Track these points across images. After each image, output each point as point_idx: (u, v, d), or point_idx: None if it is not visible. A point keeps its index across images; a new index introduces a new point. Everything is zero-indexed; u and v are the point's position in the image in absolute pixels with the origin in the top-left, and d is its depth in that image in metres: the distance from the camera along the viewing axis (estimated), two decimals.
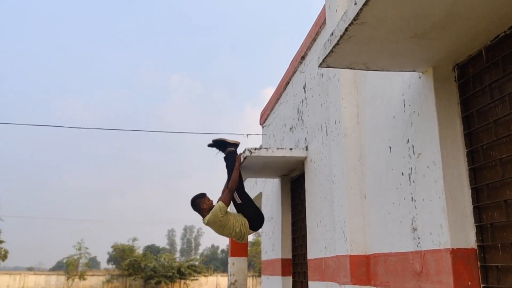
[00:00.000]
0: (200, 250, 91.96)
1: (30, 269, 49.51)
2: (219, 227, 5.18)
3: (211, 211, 5.23)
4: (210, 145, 5.73)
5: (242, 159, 5.78)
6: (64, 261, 40.46)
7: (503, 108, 2.59)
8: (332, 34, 2.73)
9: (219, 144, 5.66)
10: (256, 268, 42.25)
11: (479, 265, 2.65)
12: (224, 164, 5.62)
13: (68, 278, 37.20)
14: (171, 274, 37.11)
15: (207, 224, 5.32)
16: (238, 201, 5.39)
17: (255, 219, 5.28)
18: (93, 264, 54.37)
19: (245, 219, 5.21)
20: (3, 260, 41.35)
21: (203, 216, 5.26)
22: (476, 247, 2.68)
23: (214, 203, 5.26)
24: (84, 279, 37.44)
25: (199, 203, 5.25)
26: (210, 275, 41.03)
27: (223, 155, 5.65)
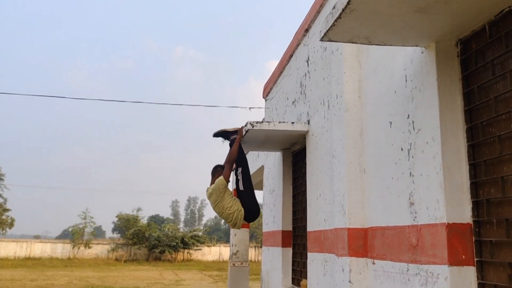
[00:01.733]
0: (204, 221, 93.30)
1: (36, 237, 50.50)
2: (214, 202, 5.30)
3: (214, 184, 5.33)
4: (214, 135, 5.84)
5: (244, 132, 5.81)
6: (70, 229, 41.23)
7: (504, 85, 2.57)
8: (334, 7, 2.69)
9: (222, 134, 5.79)
10: (258, 239, 42.91)
11: (473, 240, 2.70)
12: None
13: (73, 246, 37.99)
14: (174, 244, 37.81)
15: (209, 197, 5.43)
16: (241, 187, 5.47)
17: (251, 211, 5.39)
18: (98, 233, 55.36)
19: (242, 208, 5.29)
20: (10, 228, 42.14)
21: (210, 184, 5.43)
22: (471, 222, 2.72)
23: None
24: (89, 247, 38.24)
25: (216, 172, 5.48)
26: (213, 245, 41.75)
27: (228, 142, 5.77)
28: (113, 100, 30.43)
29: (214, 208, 5.44)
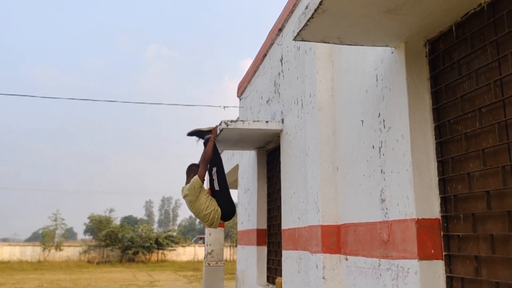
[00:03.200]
0: (178, 221, 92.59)
1: (4, 240, 49.01)
2: (189, 202, 5.29)
3: (189, 183, 5.31)
4: (189, 135, 5.81)
5: (218, 131, 5.81)
6: (40, 232, 40.20)
7: (469, 84, 2.66)
8: (306, 7, 2.73)
9: (196, 133, 5.77)
10: (233, 238, 42.85)
11: (442, 234, 2.78)
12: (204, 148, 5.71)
13: (44, 249, 37.05)
14: (148, 244, 37.38)
15: (184, 197, 5.40)
16: (216, 187, 5.47)
17: (228, 210, 5.40)
18: (69, 235, 54.20)
19: (218, 207, 5.30)
20: None
21: (186, 184, 5.40)
22: (440, 217, 2.81)
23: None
24: (60, 250, 37.37)
25: (191, 171, 5.47)
26: (188, 245, 41.50)
27: (203, 141, 5.76)
28: (86, 99, 29.76)
29: (190, 208, 5.42)
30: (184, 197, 5.39)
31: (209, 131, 5.74)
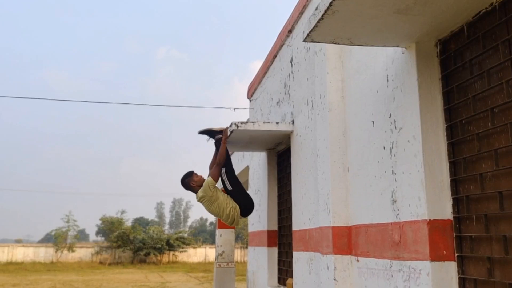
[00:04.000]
0: (189, 223, 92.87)
1: (18, 241, 49.62)
2: (209, 203, 5.23)
3: (202, 187, 5.27)
4: (200, 133, 5.81)
5: (228, 132, 5.82)
6: (53, 233, 40.61)
7: (481, 84, 2.64)
8: (316, 8, 2.73)
9: (207, 132, 5.77)
10: (244, 240, 42.87)
11: (454, 235, 2.76)
12: (215, 148, 5.70)
13: (57, 250, 37.42)
14: (160, 246, 37.55)
15: (199, 200, 5.35)
16: (229, 187, 5.43)
17: (246, 206, 5.37)
18: (82, 236, 54.69)
19: (236, 204, 5.27)
20: None
21: (196, 193, 5.33)
22: (452, 218, 2.79)
23: (205, 177, 5.33)
24: (73, 251, 37.71)
25: (188, 182, 5.36)
26: (199, 247, 41.60)
27: (213, 140, 5.76)
28: (97, 102, 30.03)
29: (210, 209, 5.31)
30: (201, 200, 5.28)
31: (220, 132, 5.73)
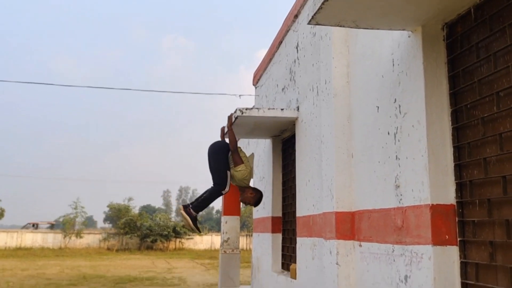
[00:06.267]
0: None
1: (27, 227, 50.20)
2: (247, 174, 5.56)
3: (238, 175, 5.56)
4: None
5: (233, 118, 5.83)
6: (61, 220, 41.08)
7: (487, 68, 2.61)
8: None
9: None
10: (249, 228, 43.08)
11: (456, 220, 2.75)
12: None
13: (65, 236, 37.88)
14: (166, 233, 37.86)
15: (247, 173, 5.62)
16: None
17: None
18: (89, 223, 55.27)
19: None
20: (0, 218, 41.92)
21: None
22: (455, 203, 2.77)
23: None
24: (81, 237, 38.15)
25: (247, 193, 5.69)
26: (205, 234, 41.89)
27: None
28: (101, 87, 30.15)
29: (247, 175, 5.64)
30: (248, 173, 5.63)
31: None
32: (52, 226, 46.42)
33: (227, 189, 5.72)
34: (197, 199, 5.87)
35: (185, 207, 5.81)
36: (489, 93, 2.58)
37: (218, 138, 6.61)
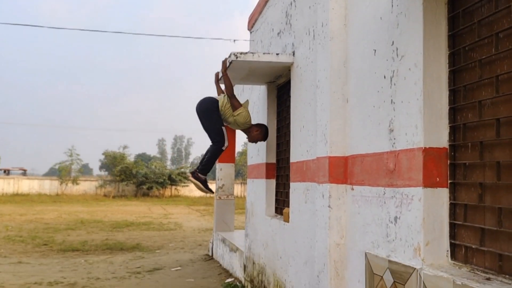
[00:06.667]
0: (190, 159, 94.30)
1: (23, 174, 50.62)
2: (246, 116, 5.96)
3: (243, 117, 5.93)
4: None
5: (227, 63, 5.74)
6: (57, 167, 41.40)
7: (488, 8, 2.54)
8: None
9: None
10: (244, 176, 43.71)
11: (448, 163, 2.78)
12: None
13: (61, 183, 38.33)
14: (162, 180, 38.41)
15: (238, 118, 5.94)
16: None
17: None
18: (85, 170, 55.76)
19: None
20: None
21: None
22: (447, 146, 2.79)
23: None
24: (77, 184, 38.65)
25: (253, 130, 6.15)
26: None
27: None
28: (94, 30, 29.28)
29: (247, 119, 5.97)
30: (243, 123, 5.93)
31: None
32: (24, 173, 47.00)
33: (226, 143, 5.81)
34: (201, 163, 6.02)
35: (193, 174, 5.99)
36: (488, 35, 2.53)
37: (212, 83, 6.55)
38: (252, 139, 6.19)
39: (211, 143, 5.93)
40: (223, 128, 5.88)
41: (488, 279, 2.33)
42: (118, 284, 7.63)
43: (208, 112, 5.89)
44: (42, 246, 11.99)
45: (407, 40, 3.02)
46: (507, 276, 2.29)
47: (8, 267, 8.98)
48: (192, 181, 6.04)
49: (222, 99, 5.93)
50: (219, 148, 5.86)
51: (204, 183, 5.99)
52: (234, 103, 5.86)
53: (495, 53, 2.46)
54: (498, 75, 2.43)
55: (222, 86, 6.29)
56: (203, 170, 5.98)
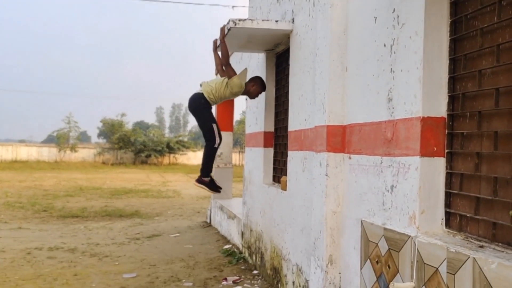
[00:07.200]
0: (189, 128, 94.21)
1: (21, 141, 50.66)
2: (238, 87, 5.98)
3: (236, 84, 5.92)
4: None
5: (226, 30, 5.65)
6: (55, 134, 41.38)
7: None
8: None
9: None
10: (242, 145, 43.81)
11: (446, 133, 2.78)
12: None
13: (59, 150, 38.41)
14: (160, 148, 38.51)
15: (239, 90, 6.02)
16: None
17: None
18: (83, 138, 55.84)
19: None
20: None
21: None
22: (445, 116, 2.79)
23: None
24: (75, 151, 38.74)
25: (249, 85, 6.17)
26: (199, 150, 42.66)
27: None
28: None
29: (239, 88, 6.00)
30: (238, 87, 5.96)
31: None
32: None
33: (217, 141, 5.84)
34: (201, 169, 6.09)
35: (197, 180, 6.10)
36: (491, 2, 2.48)
37: (210, 51, 6.47)
38: (252, 95, 6.26)
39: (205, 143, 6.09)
40: (214, 125, 5.91)
41: (481, 246, 2.37)
42: (118, 250, 7.77)
43: (197, 111, 5.95)
44: (42, 212, 12.14)
45: (409, 7, 2.97)
46: (500, 244, 2.33)
47: (9, 233, 9.12)
48: (198, 187, 6.17)
49: (209, 85, 5.93)
50: (212, 147, 5.92)
51: (210, 185, 6.13)
52: (230, 72, 5.92)
53: (497, 21, 2.42)
54: (499, 44, 2.40)
55: (219, 53, 6.23)
56: (204, 173, 6.12)
